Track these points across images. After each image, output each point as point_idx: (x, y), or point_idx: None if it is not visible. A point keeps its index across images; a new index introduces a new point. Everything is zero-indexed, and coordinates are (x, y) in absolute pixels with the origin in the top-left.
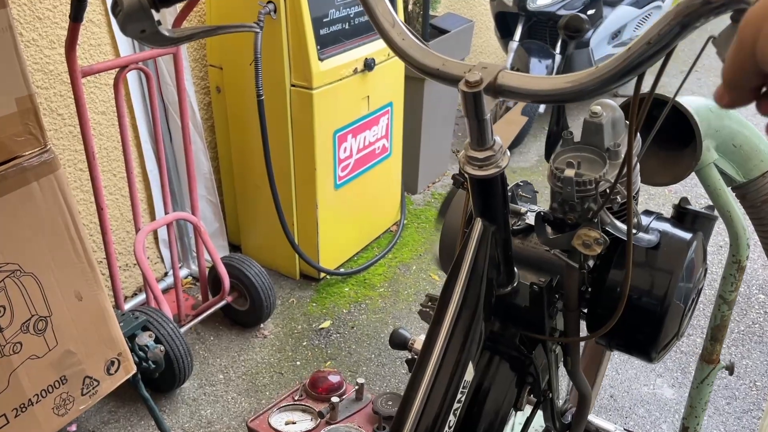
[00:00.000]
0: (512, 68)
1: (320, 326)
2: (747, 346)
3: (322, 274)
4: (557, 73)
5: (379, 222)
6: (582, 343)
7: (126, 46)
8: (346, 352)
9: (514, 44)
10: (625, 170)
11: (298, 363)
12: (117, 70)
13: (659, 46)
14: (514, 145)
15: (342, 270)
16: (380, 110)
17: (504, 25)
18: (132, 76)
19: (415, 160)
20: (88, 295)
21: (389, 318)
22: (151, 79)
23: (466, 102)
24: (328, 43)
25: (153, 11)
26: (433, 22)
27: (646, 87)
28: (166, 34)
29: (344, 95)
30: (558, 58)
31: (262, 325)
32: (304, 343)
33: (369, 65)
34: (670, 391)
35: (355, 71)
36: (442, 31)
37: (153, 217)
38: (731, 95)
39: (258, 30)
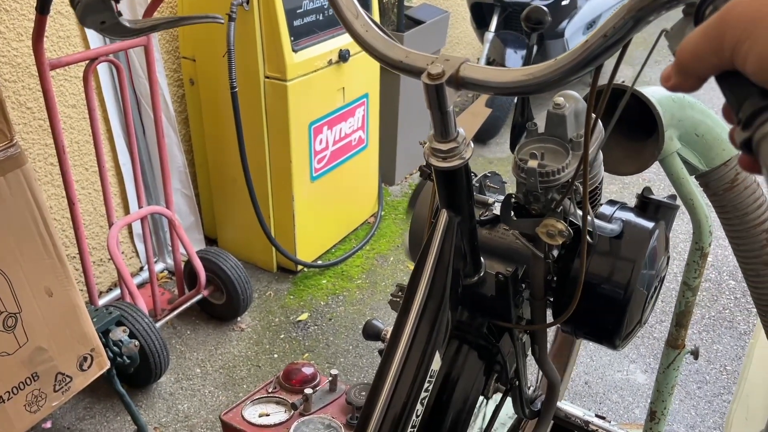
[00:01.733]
0: (488, 59)
1: (298, 319)
2: (717, 331)
3: (300, 267)
4: (531, 64)
5: (356, 214)
6: (551, 332)
7: (96, 38)
8: (323, 344)
9: (489, 35)
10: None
11: (276, 356)
12: (86, 62)
13: (614, 39)
14: (490, 136)
15: (319, 262)
16: (356, 102)
17: (480, 15)
18: (103, 69)
19: (392, 151)
20: (58, 291)
21: (367, 309)
22: (121, 72)
23: (428, 94)
24: (302, 35)
25: (113, 2)
26: (408, 13)
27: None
28: (128, 25)
29: (319, 87)
30: (534, 49)
31: (239, 319)
32: (282, 336)
33: (344, 56)
34: (642, 376)
35: (330, 63)
36: (418, 22)
37: (127, 212)
38: (680, 80)
39: (221, 21)
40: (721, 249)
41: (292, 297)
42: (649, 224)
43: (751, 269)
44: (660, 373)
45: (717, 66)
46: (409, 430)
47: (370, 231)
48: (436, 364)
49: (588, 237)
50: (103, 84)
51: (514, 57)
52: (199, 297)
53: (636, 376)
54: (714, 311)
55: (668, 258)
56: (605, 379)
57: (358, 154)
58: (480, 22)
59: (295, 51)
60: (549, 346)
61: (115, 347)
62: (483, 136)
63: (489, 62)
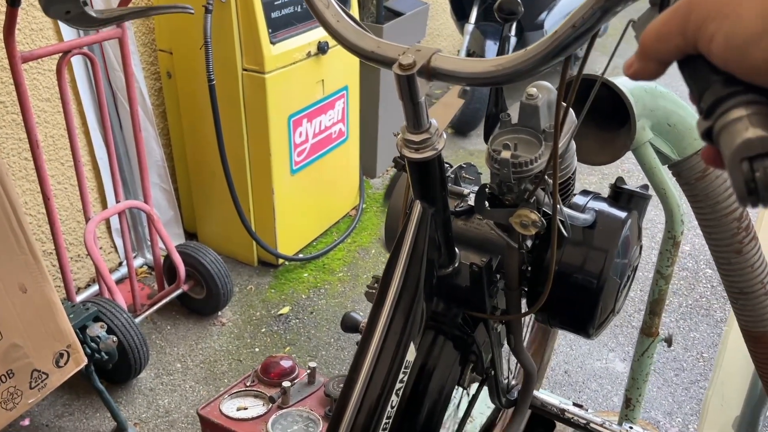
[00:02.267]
0: (468, 51)
1: (279, 312)
2: (695, 319)
3: (281, 260)
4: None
5: (337, 206)
6: (527, 322)
7: (69, 30)
8: (305, 337)
9: (469, 27)
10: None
11: (257, 350)
12: (60, 55)
13: (583, 29)
14: (471, 128)
15: (301, 255)
16: (335, 94)
17: (459, 7)
18: (78, 62)
19: (373, 143)
20: (32, 287)
21: (348, 302)
22: (96, 65)
23: (400, 85)
24: (279, 27)
25: None
26: (388, 5)
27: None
28: (94, 14)
29: (298, 79)
30: (513, 40)
31: (219, 313)
32: (263, 330)
33: (322, 48)
34: (621, 365)
35: (309, 55)
36: (397, 14)
37: (105, 206)
38: (642, 64)
39: (192, 11)
40: (698, 238)
41: (273, 291)
42: (622, 214)
43: (723, 257)
44: (635, 361)
45: (680, 48)
46: (384, 420)
47: (352, 224)
48: (411, 354)
49: (561, 227)
50: (77, 77)
51: (494, 49)
52: (178, 292)
53: (615, 365)
54: (691, 299)
55: (641, 247)
56: (585, 368)
57: (338, 146)
58: (460, 14)
59: (273, 43)
60: (527, 335)
61: (92, 343)
62: (464, 128)
63: (469, 54)
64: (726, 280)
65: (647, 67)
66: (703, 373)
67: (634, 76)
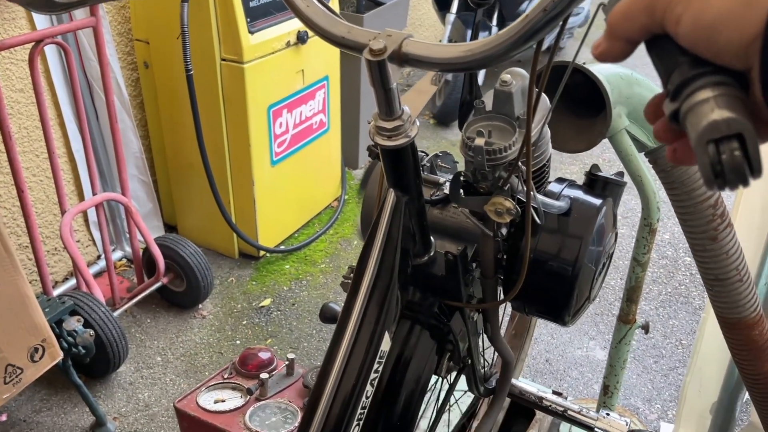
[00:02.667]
0: (450, 41)
1: (260, 304)
2: (674, 306)
3: (262, 252)
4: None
5: (319, 198)
6: (504, 310)
7: (43, 19)
8: (286, 329)
9: (451, 16)
10: (531, 138)
11: (238, 342)
12: (32, 44)
13: (554, 12)
14: (453, 118)
15: (282, 247)
16: (316, 84)
17: None
18: (52, 52)
19: (355, 134)
20: (5, 280)
21: (330, 293)
22: (69, 54)
23: (371, 71)
24: (258, 16)
25: None
26: None
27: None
28: None
29: (277, 69)
30: (495, 30)
31: (200, 306)
32: (244, 322)
33: (302, 38)
34: (601, 353)
35: (288, 44)
36: (378, 3)
37: (82, 199)
38: (609, 44)
39: None
40: (678, 227)
41: (254, 283)
42: (597, 201)
43: (698, 244)
44: (612, 348)
45: (647, 27)
46: (359, 410)
47: (334, 215)
48: (386, 344)
49: (535, 214)
50: (51, 67)
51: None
52: (158, 285)
53: (595, 353)
54: (670, 287)
55: (616, 234)
56: (566, 356)
57: (319, 137)
58: (441, 3)
59: (251, 32)
60: (506, 324)
61: (69, 337)
62: (446, 119)
63: None
64: (702, 266)
65: (614, 47)
66: (681, 359)
67: (602, 55)
